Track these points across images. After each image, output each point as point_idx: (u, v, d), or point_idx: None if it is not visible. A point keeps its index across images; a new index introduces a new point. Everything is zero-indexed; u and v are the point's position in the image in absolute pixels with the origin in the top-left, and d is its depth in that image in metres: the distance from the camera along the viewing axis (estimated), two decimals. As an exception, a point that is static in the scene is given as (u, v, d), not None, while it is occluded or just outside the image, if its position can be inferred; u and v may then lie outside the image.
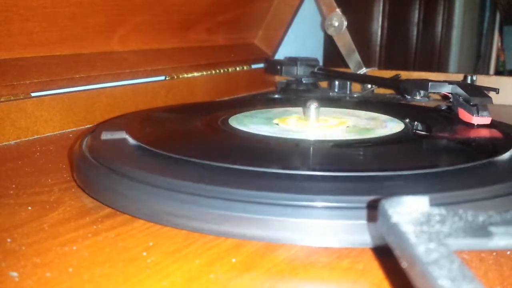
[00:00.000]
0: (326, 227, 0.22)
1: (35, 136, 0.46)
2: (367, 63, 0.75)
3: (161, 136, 0.37)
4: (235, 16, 0.72)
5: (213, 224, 0.23)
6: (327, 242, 0.23)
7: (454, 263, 0.14)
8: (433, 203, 0.18)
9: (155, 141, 0.33)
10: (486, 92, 0.43)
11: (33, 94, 0.47)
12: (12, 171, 0.36)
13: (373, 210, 0.22)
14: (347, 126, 0.38)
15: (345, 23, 0.73)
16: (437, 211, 0.17)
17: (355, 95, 0.69)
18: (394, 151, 0.32)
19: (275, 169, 0.26)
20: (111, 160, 0.29)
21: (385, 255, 0.22)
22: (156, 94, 0.60)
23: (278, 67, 0.73)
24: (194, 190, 0.24)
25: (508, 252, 0.23)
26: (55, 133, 0.48)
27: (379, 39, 1.10)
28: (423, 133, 0.37)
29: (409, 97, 0.54)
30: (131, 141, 0.33)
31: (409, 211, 0.17)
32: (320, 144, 0.33)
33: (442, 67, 1.58)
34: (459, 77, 0.62)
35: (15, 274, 0.21)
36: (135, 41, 0.59)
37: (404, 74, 0.66)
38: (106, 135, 0.35)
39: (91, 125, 0.51)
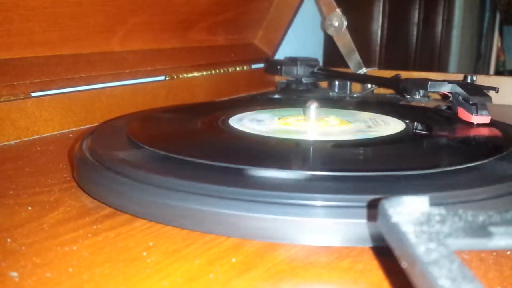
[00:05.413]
0: (326, 227, 0.22)
1: (35, 136, 0.46)
2: (367, 63, 0.75)
3: (161, 136, 0.37)
4: (235, 16, 0.72)
5: (213, 223, 0.24)
6: (327, 241, 0.23)
7: (454, 263, 0.14)
8: (433, 203, 0.18)
9: (155, 141, 0.33)
10: (485, 91, 0.43)
11: (33, 94, 0.47)
12: (12, 171, 0.36)
13: (373, 210, 0.22)
14: (347, 126, 0.38)
15: (345, 23, 0.73)
16: (437, 211, 0.17)
17: (355, 95, 0.69)
18: (394, 151, 0.32)
19: (275, 169, 0.26)
20: (111, 160, 0.29)
21: (385, 255, 0.22)
22: (156, 94, 0.60)
23: (278, 67, 0.73)
24: (194, 189, 0.24)
25: (508, 252, 0.23)
26: (55, 133, 0.48)
27: (379, 39, 1.10)
28: (423, 132, 0.37)
29: (408, 96, 0.54)
30: (132, 141, 0.33)
31: (409, 211, 0.17)
32: (320, 144, 0.33)
33: (442, 67, 1.58)
34: (459, 77, 0.62)
35: (15, 274, 0.21)
36: (135, 41, 0.59)
37: (404, 74, 0.66)
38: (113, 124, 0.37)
39: (91, 125, 0.51)
